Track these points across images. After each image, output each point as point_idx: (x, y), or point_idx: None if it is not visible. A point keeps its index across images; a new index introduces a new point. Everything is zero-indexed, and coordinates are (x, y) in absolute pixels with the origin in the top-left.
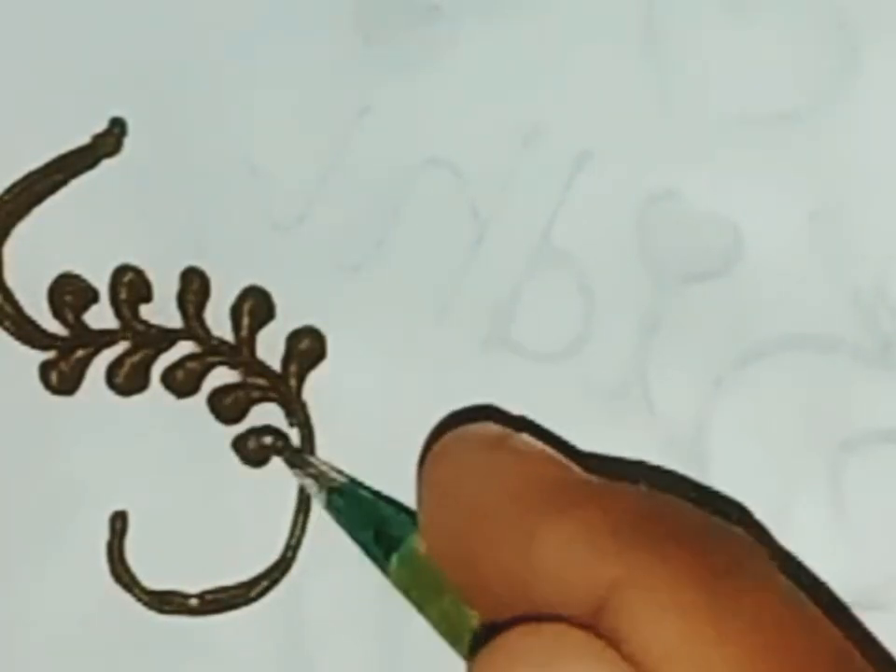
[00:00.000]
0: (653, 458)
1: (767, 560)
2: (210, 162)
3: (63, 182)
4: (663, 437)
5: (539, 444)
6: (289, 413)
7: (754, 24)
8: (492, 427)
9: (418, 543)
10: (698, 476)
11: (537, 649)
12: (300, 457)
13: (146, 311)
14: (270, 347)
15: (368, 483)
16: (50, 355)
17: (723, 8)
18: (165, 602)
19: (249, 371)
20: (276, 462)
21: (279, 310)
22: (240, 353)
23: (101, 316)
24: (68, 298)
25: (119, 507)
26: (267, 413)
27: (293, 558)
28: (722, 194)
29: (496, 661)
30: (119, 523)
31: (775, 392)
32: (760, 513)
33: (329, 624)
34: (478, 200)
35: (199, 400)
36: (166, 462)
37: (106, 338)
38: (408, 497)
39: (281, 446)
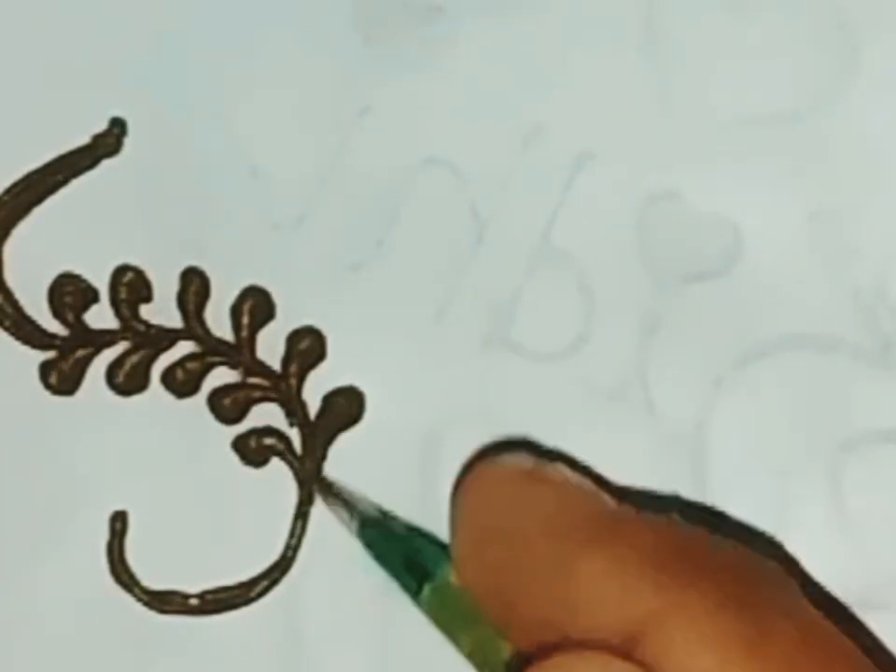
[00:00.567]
0: (653, 458)
1: (798, 592)
2: (210, 162)
3: (63, 182)
4: (663, 437)
5: (574, 476)
6: (289, 413)
7: (754, 24)
8: (525, 458)
9: (451, 574)
10: (698, 476)
11: None
12: (332, 487)
13: (146, 311)
14: (270, 347)
15: (368, 482)
16: (50, 355)
17: (723, 8)
18: (165, 602)
19: (249, 371)
20: (276, 462)
21: (279, 310)
22: (240, 353)
23: (101, 316)
24: (68, 298)
25: (119, 507)
26: (267, 413)
27: (293, 558)
28: (722, 194)
29: None
30: (118, 523)
31: (775, 392)
32: (760, 513)
33: (329, 624)
34: (478, 200)
35: (199, 400)
36: (166, 462)
37: (106, 338)
38: (408, 498)
39: (315, 475)
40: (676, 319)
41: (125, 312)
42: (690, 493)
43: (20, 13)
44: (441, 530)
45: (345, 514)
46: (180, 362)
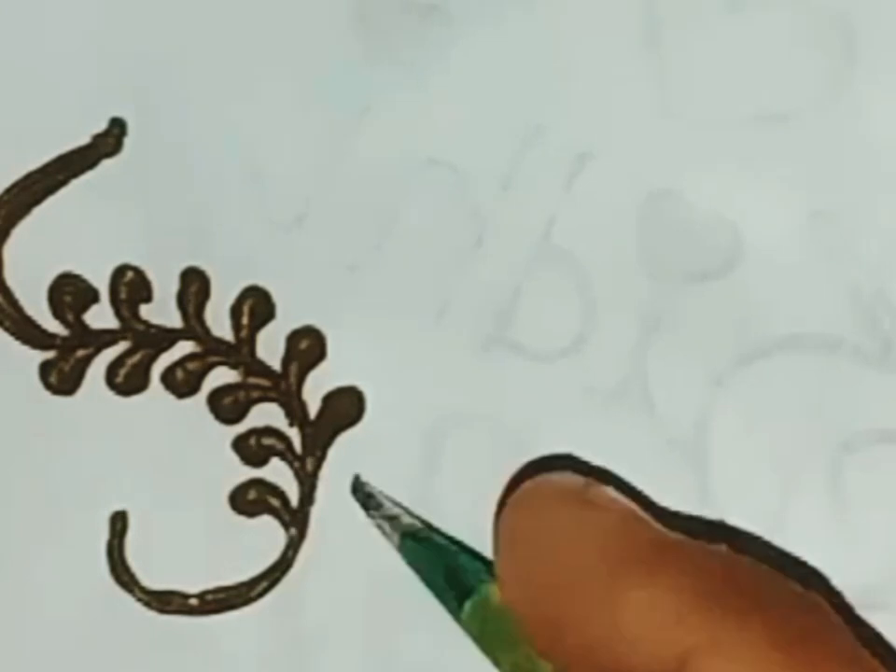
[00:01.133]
0: (653, 458)
1: (843, 627)
2: (210, 162)
3: (63, 182)
4: (663, 437)
5: (622, 499)
6: (289, 413)
7: (754, 25)
8: (573, 479)
9: (493, 592)
10: (698, 476)
11: None
12: (374, 500)
13: (146, 311)
14: (270, 347)
15: (369, 481)
16: (50, 355)
17: (723, 8)
18: (165, 602)
19: (249, 371)
20: (276, 462)
21: (279, 310)
22: (240, 353)
23: (101, 316)
24: (68, 298)
25: (119, 507)
26: (267, 413)
27: (293, 558)
28: (722, 194)
29: None
30: (119, 523)
31: (775, 392)
32: (760, 513)
33: (329, 624)
34: (478, 200)
35: (199, 400)
36: (166, 462)
37: (106, 338)
38: (408, 498)
39: (355, 487)
40: (676, 319)
41: (125, 312)
42: (690, 493)
43: (20, 13)
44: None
45: (386, 526)
46: (180, 362)
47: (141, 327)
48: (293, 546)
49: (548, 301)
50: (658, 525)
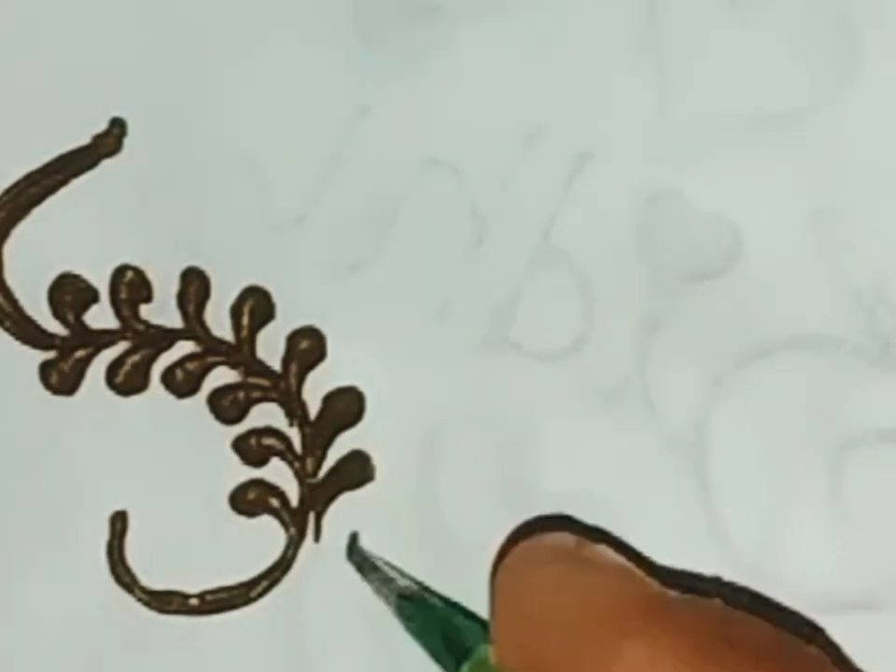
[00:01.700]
0: (653, 458)
1: None
2: (210, 162)
3: (63, 182)
4: (663, 437)
5: (616, 557)
6: (289, 413)
7: (754, 24)
8: (567, 538)
9: (489, 654)
10: (698, 476)
11: None
12: (369, 563)
13: (146, 311)
14: (270, 347)
15: (369, 482)
16: (50, 355)
17: (724, 8)
18: (165, 602)
19: (249, 371)
20: (276, 462)
21: (279, 310)
22: (240, 353)
23: (101, 316)
24: (68, 298)
25: (119, 507)
26: (267, 413)
27: (293, 558)
28: (722, 194)
29: None
30: (119, 523)
31: (775, 392)
32: (760, 513)
33: (329, 624)
34: (478, 200)
35: (199, 400)
36: (166, 462)
37: (106, 338)
38: (407, 498)
39: (351, 550)
40: (676, 319)
41: (125, 312)
42: (690, 493)
43: (20, 13)
44: (441, 531)
45: (383, 589)
46: (180, 362)
47: (141, 327)
48: (293, 546)
49: (548, 300)
50: (653, 582)
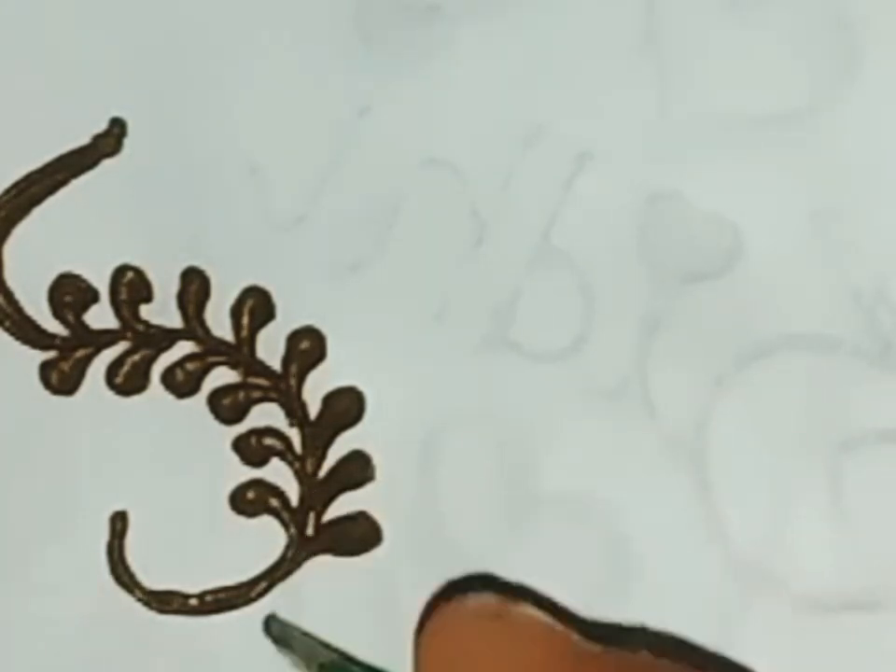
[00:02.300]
0: (653, 458)
1: None
2: (210, 162)
3: (63, 182)
4: (663, 437)
5: (539, 615)
6: (289, 413)
7: (754, 24)
8: (489, 599)
9: None
10: (698, 476)
11: None
12: (286, 631)
13: (146, 311)
14: (270, 347)
15: (369, 482)
16: (50, 355)
17: (723, 8)
18: (165, 602)
19: (249, 371)
20: (276, 462)
21: (279, 310)
22: (240, 353)
23: (101, 316)
24: (68, 298)
25: (119, 507)
26: (267, 413)
27: (293, 558)
28: (722, 194)
29: None
30: (119, 523)
31: (775, 392)
32: (760, 513)
33: (329, 625)
34: (478, 200)
35: (199, 400)
36: (166, 462)
37: (106, 338)
38: (407, 498)
39: (268, 624)
40: (676, 319)
41: (125, 312)
42: (690, 493)
43: (20, 13)
44: (441, 532)
45: (302, 663)
46: (180, 362)
47: (141, 327)
48: (293, 546)
49: (548, 300)
50: (578, 638)
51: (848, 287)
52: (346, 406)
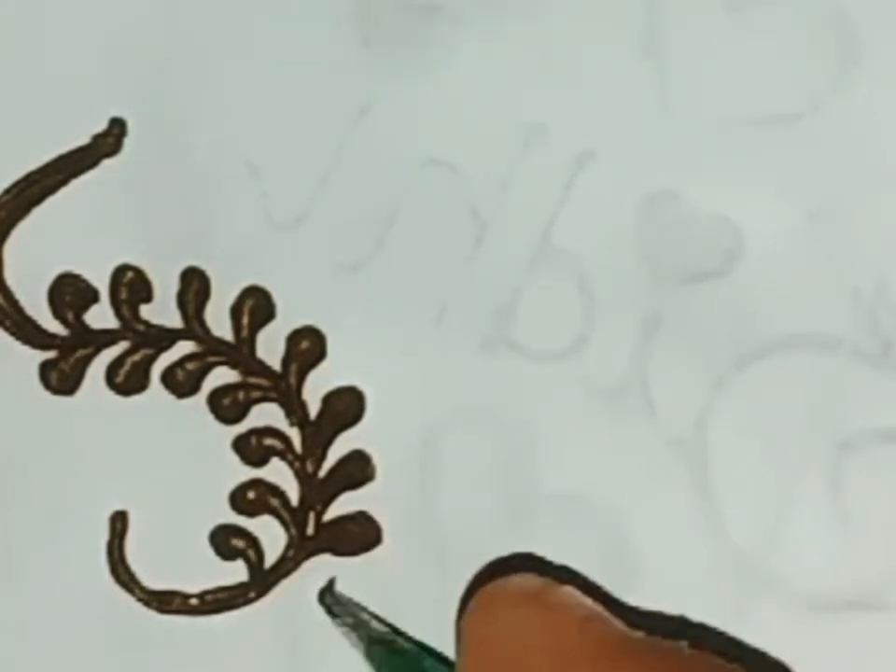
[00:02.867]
0: (653, 458)
1: None
2: (210, 162)
3: (63, 182)
4: (663, 437)
5: (582, 598)
6: (289, 413)
7: (754, 24)
8: (533, 580)
9: None
10: (698, 476)
11: None
12: (340, 606)
13: (146, 311)
14: (270, 347)
15: (369, 482)
16: (50, 355)
17: (723, 8)
18: (165, 602)
19: (249, 371)
20: (276, 462)
21: (279, 310)
22: (240, 353)
23: (101, 316)
24: (68, 298)
25: (119, 507)
26: (267, 413)
27: (293, 558)
28: (722, 194)
29: None
30: (119, 523)
31: (775, 392)
32: (760, 513)
33: (329, 625)
34: (478, 200)
35: (199, 400)
36: (166, 462)
37: (106, 338)
38: (407, 498)
39: (324, 592)
40: (676, 319)
41: (125, 312)
42: (690, 493)
43: (20, 13)
44: (441, 531)
45: (354, 633)
46: (180, 362)
47: (141, 327)
48: (293, 546)
49: (548, 300)
50: (619, 624)
51: (848, 287)
52: (346, 406)
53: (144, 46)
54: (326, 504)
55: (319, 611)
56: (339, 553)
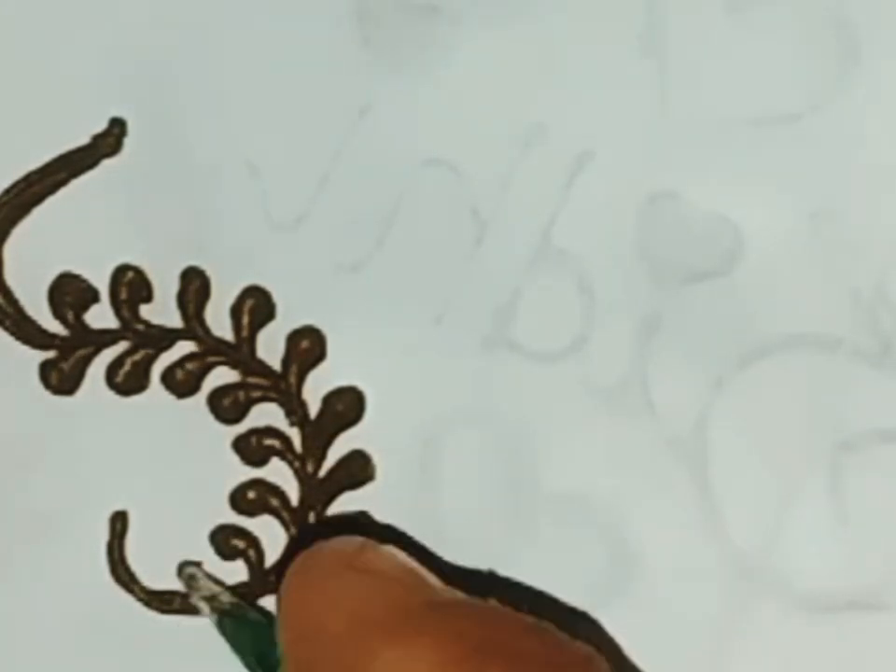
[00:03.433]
0: (653, 458)
1: None
2: (210, 162)
3: (63, 182)
4: (663, 436)
5: (400, 559)
6: (289, 413)
7: (754, 24)
8: (348, 543)
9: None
10: (698, 476)
11: None
12: (193, 579)
13: (146, 311)
14: (270, 347)
15: (369, 482)
16: (50, 355)
17: (723, 8)
18: (165, 602)
19: (249, 371)
20: (276, 462)
21: (279, 310)
22: (240, 353)
23: (101, 316)
24: (68, 298)
25: (119, 507)
26: (267, 413)
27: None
28: (722, 194)
29: None
30: (119, 523)
31: (775, 392)
32: (760, 513)
33: None
34: (478, 200)
35: (199, 400)
36: (166, 462)
37: (106, 338)
38: (407, 498)
39: (180, 567)
40: (676, 319)
41: (125, 312)
42: (690, 493)
43: (20, 14)
44: (441, 531)
45: (206, 606)
46: (180, 362)
47: (141, 327)
48: (293, 546)
49: (548, 300)
50: (432, 583)
51: (848, 287)
52: (346, 406)
53: (144, 46)
54: (326, 504)
55: None
56: None
